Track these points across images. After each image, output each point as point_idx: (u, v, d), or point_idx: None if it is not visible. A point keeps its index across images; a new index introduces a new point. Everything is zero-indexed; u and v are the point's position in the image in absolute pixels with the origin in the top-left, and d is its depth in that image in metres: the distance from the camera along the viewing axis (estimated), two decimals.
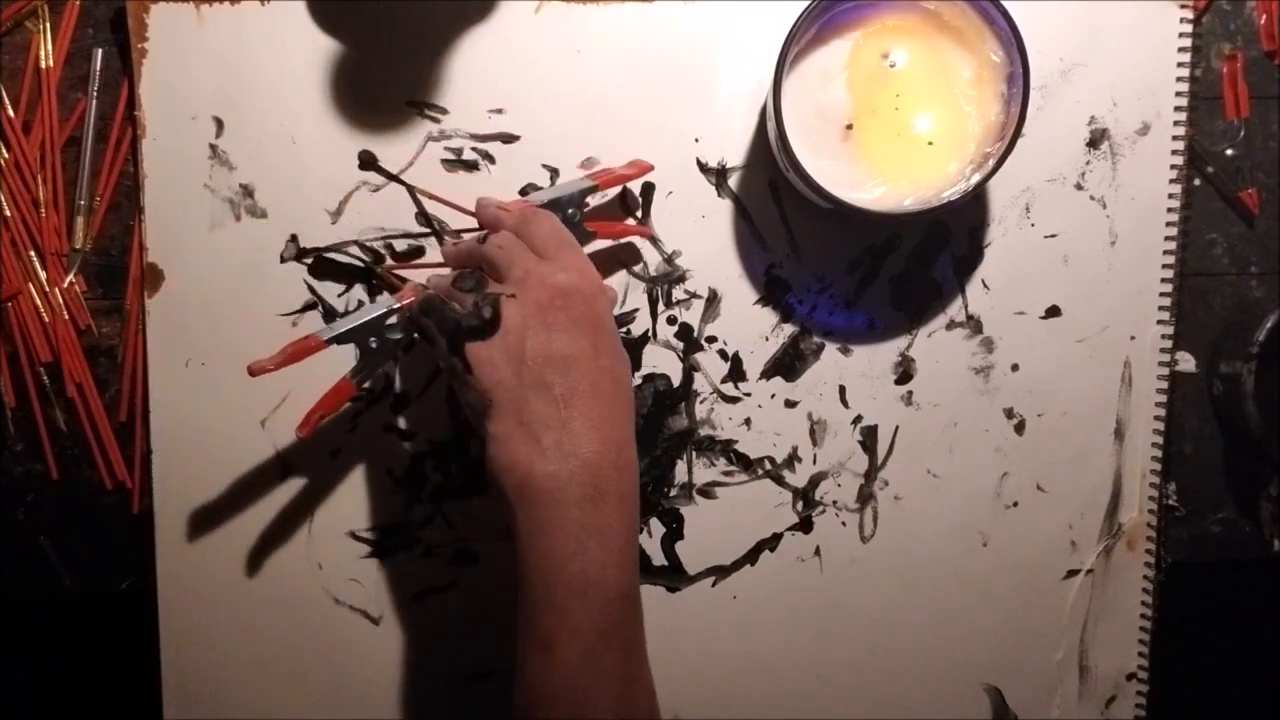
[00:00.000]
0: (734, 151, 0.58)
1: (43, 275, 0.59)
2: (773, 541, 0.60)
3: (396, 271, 0.58)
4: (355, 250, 0.58)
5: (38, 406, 0.59)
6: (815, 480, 0.60)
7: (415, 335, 0.52)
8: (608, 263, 0.58)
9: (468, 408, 0.48)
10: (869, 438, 0.60)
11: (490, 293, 0.48)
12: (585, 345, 0.47)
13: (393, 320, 0.52)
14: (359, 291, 0.58)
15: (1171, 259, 0.59)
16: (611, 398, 0.47)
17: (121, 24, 0.57)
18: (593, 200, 0.56)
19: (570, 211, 0.54)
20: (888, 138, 0.52)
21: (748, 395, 0.59)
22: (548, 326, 0.47)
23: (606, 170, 0.57)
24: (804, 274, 0.59)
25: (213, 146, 0.57)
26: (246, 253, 0.58)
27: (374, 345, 0.52)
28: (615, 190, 0.58)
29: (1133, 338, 0.59)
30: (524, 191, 0.58)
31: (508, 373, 0.46)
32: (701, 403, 0.59)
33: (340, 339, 0.51)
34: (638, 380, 0.59)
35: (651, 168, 0.57)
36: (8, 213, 0.58)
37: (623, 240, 0.58)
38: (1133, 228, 0.58)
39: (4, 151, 0.58)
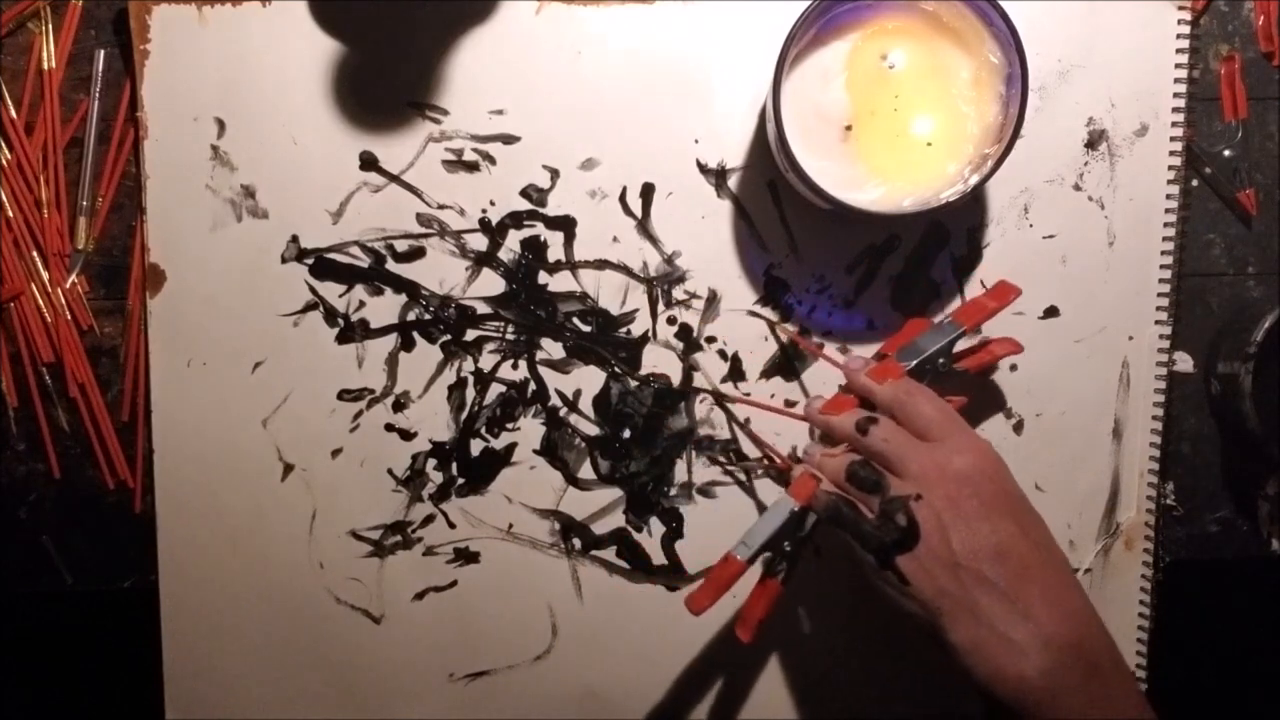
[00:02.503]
0: (734, 152, 0.58)
1: (45, 275, 0.59)
2: None
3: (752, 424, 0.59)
4: (356, 251, 0.58)
5: (40, 406, 0.60)
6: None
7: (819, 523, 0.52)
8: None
9: (909, 616, 0.47)
10: None
11: (896, 497, 0.47)
12: (1008, 525, 0.47)
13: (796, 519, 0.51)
14: (360, 292, 0.59)
15: (1169, 259, 0.59)
16: (1053, 568, 0.47)
17: (123, 25, 0.57)
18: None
19: (941, 362, 0.54)
20: (887, 139, 0.52)
21: (747, 395, 0.59)
22: (966, 519, 0.46)
23: (973, 305, 0.56)
24: (803, 274, 0.59)
25: (214, 147, 0.58)
26: (248, 253, 0.58)
27: (788, 548, 0.52)
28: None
29: (1131, 338, 0.59)
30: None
31: (947, 579, 0.46)
32: (701, 402, 0.59)
33: (757, 556, 0.51)
34: (636, 382, 0.59)
35: (1018, 291, 0.56)
36: (10, 213, 0.58)
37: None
38: (1131, 228, 0.58)
39: (7, 152, 0.58)
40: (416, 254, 0.58)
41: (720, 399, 0.59)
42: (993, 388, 0.59)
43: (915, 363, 0.54)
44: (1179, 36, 0.57)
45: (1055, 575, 0.47)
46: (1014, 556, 0.46)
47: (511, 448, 0.60)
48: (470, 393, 0.59)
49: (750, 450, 0.60)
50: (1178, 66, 0.57)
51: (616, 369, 0.59)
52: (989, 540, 0.46)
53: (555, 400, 0.59)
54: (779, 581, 0.52)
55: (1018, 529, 0.47)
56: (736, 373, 0.59)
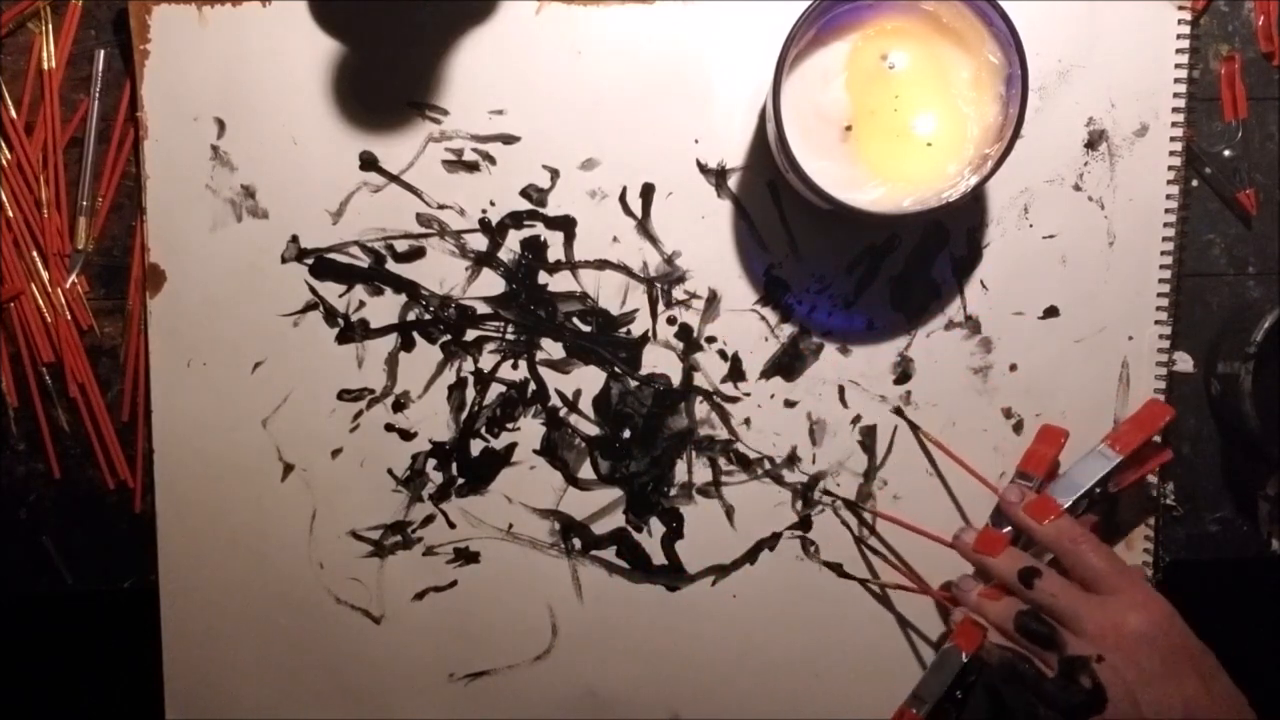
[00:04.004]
0: (734, 152, 0.58)
1: (45, 275, 0.59)
2: (772, 541, 0.60)
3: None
4: (356, 251, 0.58)
5: (40, 406, 0.59)
6: (814, 479, 0.60)
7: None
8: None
9: None
10: (868, 437, 0.60)
11: (1077, 657, 0.48)
12: (1193, 682, 0.47)
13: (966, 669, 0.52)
14: (360, 292, 0.59)
15: (1169, 259, 0.59)
16: (1239, 711, 0.48)
17: (123, 25, 0.57)
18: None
19: (1098, 491, 0.55)
20: (887, 139, 0.52)
21: (747, 395, 0.59)
22: (1150, 680, 0.47)
23: (1128, 430, 0.56)
24: (803, 274, 0.59)
25: (214, 147, 0.58)
26: (248, 253, 0.58)
27: (959, 695, 0.52)
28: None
29: (1131, 338, 0.59)
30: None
31: None
32: (701, 403, 0.59)
33: (933, 713, 0.52)
34: (636, 382, 0.59)
35: (1172, 411, 0.56)
36: (10, 213, 0.58)
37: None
38: (1131, 228, 0.58)
39: (7, 152, 0.58)
40: (416, 254, 0.58)
41: (852, 507, 0.59)
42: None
43: (1074, 499, 0.54)
44: (1179, 36, 0.57)
45: (1241, 716, 0.48)
46: (1203, 709, 0.47)
47: (511, 448, 0.60)
48: (470, 393, 0.59)
49: (748, 451, 0.60)
50: (1178, 66, 0.57)
51: (616, 369, 0.59)
52: (1176, 699, 0.46)
53: (555, 400, 0.59)
54: None
55: (1202, 685, 0.47)
56: (736, 373, 0.59)
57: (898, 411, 0.59)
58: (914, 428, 0.59)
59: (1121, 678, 0.47)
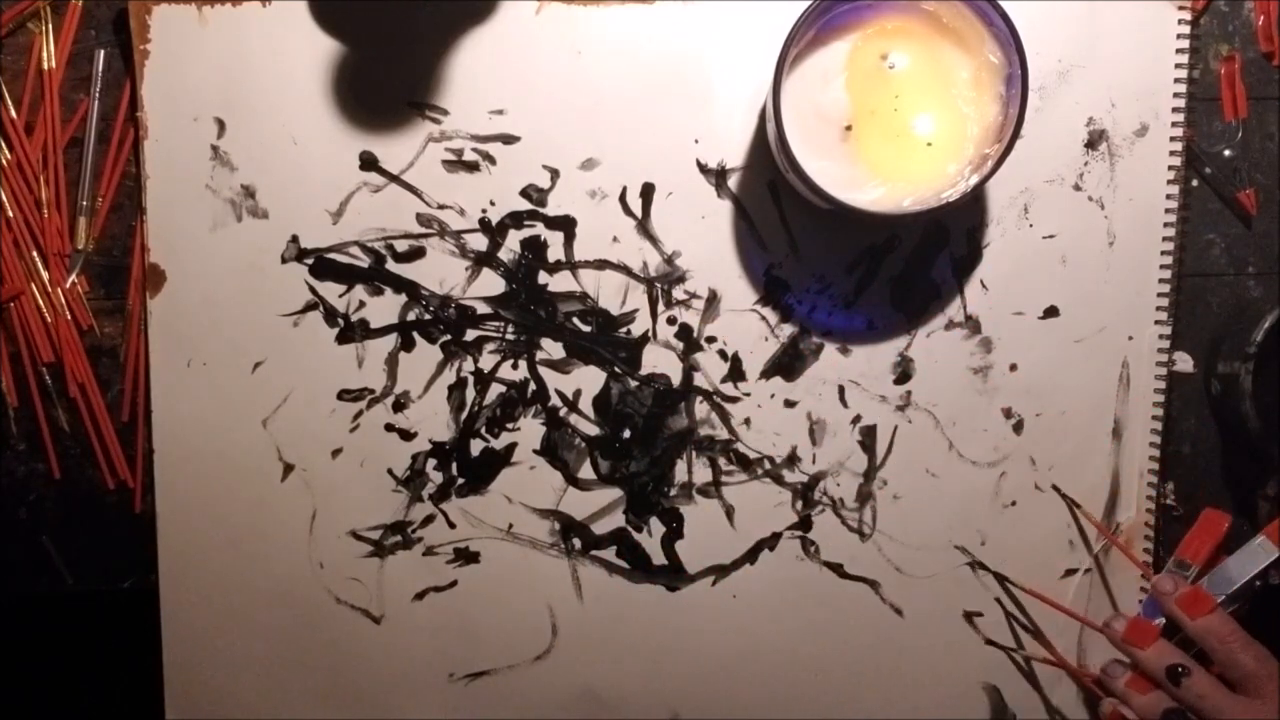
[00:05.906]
0: (733, 152, 0.58)
1: (45, 275, 0.59)
2: (772, 541, 0.60)
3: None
4: (356, 251, 0.58)
5: (40, 406, 0.60)
6: (815, 479, 0.60)
7: None
8: None
9: None
10: (868, 437, 0.60)
11: None
12: None
13: None
14: (360, 292, 0.59)
15: (1169, 259, 0.59)
16: None
17: (124, 25, 0.57)
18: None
19: (1258, 585, 0.55)
20: (887, 139, 0.52)
21: (747, 395, 0.59)
22: None
23: None
24: (803, 274, 0.59)
25: (214, 147, 0.58)
26: (248, 253, 0.58)
27: None
28: None
29: (1131, 338, 0.59)
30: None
31: None
32: (701, 403, 0.59)
33: None
34: (636, 382, 0.59)
35: None
36: (10, 213, 0.58)
37: None
38: (1131, 228, 0.58)
39: (7, 152, 0.58)
40: (416, 254, 0.58)
41: (1002, 580, 0.60)
42: None
43: (1228, 594, 0.54)
44: (1179, 36, 0.57)
45: None
46: None
47: (511, 448, 0.60)
48: (470, 393, 0.59)
49: (748, 451, 0.60)
50: (1178, 66, 0.57)
51: (616, 369, 0.59)
52: None
53: (555, 400, 0.59)
54: None
55: None
56: (736, 373, 0.59)
57: (1056, 489, 0.59)
58: (1071, 505, 0.59)
59: None
